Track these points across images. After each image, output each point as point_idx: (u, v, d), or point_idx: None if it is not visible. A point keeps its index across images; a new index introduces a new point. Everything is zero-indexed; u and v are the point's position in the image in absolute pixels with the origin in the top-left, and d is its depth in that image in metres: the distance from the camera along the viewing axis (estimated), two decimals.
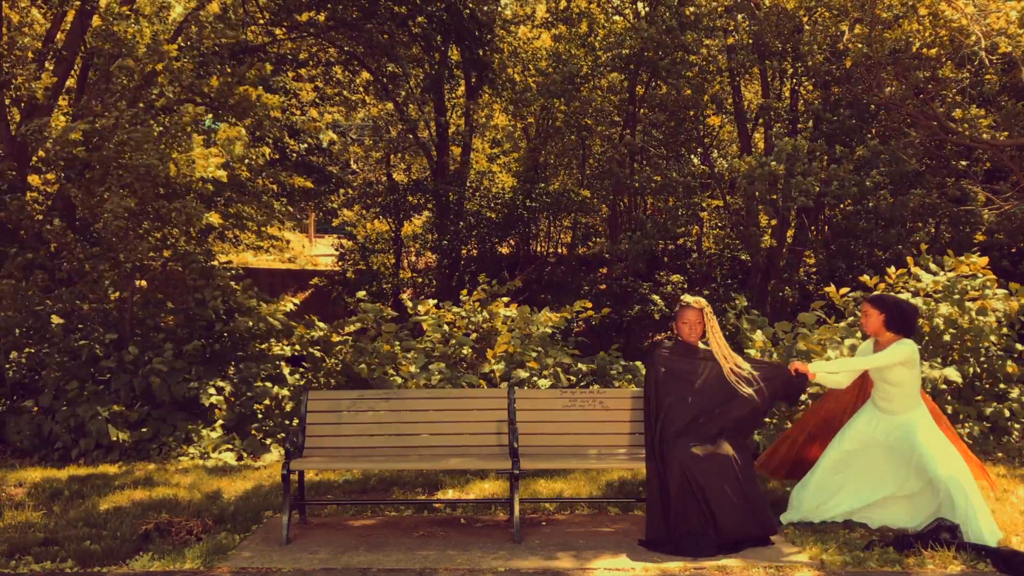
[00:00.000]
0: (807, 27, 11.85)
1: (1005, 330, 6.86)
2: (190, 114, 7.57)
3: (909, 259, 7.32)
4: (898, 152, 10.88)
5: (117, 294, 7.86)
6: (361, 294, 8.49)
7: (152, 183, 7.26)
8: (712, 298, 12.32)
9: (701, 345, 4.62)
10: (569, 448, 4.84)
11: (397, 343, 7.62)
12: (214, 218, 7.61)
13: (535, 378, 7.15)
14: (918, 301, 6.90)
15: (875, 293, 4.64)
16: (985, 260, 7.04)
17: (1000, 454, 6.35)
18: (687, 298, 4.65)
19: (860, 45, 10.05)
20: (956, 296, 6.81)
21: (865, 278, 7.30)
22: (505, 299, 7.96)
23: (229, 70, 9.27)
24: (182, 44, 8.56)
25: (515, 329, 7.55)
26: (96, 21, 9.17)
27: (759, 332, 7.09)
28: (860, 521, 4.61)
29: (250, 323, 7.72)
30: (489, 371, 7.16)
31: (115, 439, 6.64)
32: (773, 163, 10.24)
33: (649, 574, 3.92)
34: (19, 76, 8.69)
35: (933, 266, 7.15)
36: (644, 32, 12.53)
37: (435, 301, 8.00)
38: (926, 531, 4.26)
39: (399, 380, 7.15)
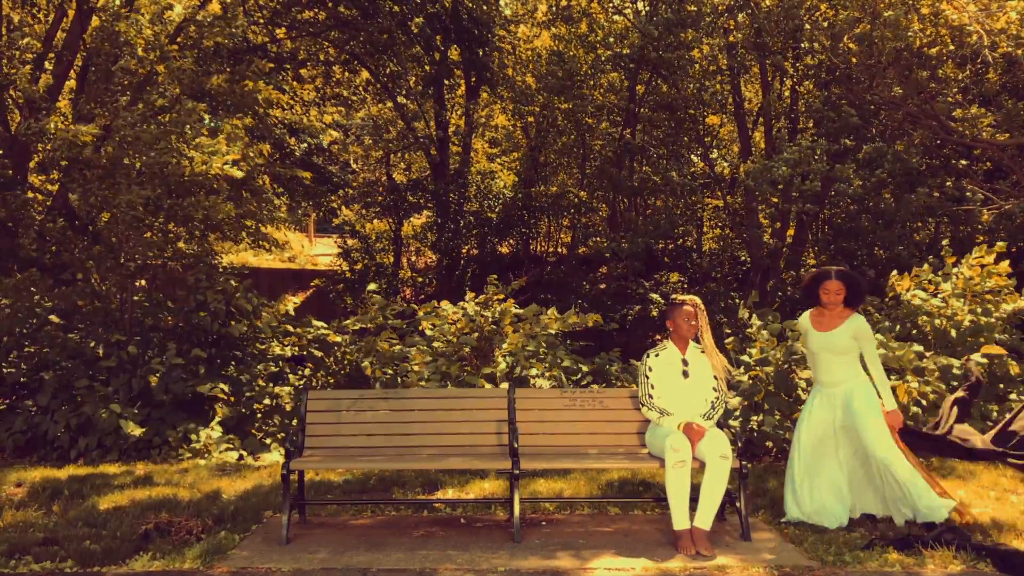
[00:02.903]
0: (807, 26, 11.83)
1: (1007, 335, 6.88)
2: (193, 111, 7.55)
3: (926, 266, 7.36)
4: (902, 152, 10.87)
5: (118, 295, 7.86)
6: (372, 286, 8.46)
7: (165, 180, 7.25)
8: (712, 298, 12.32)
9: (693, 344, 4.65)
10: (569, 448, 4.84)
11: (407, 339, 7.63)
12: (228, 208, 7.56)
13: (538, 379, 7.15)
14: (937, 301, 6.96)
15: (838, 268, 4.79)
16: (1006, 265, 7.06)
17: None
18: (681, 296, 4.73)
19: (861, 44, 10.05)
20: (960, 298, 6.85)
21: (894, 275, 7.32)
22: (501, 296, 7.96)
23: (228, 69, 9.26)
24: (182, 43, 8.55)
25: (520, 330, 7.55)
26: (96, 21, 9.16)
27: (764, 331, 7.10)
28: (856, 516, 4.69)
29: (247, 326, 7.71)
30: (492, 372, 7.16)
31: (129, 433, 6.62)
32: (784, 168, 10.19)
33: (649, 574, 3.91)
34: (18, 77, 8.68)
35: (955, 270, 7.18)
36: (644, 27, 12.51)
37: (435, 303, 8.00)
38: (929, 533, 4.26)
39: (408, 379, 7.15)
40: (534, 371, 7.23)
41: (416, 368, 7.25)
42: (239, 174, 7.49)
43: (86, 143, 7.15)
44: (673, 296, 4.87)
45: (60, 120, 8.07)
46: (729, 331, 8.35)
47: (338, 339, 7.90)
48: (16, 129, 8.85)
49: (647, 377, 4.62)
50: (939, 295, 7.12)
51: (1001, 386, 6.74)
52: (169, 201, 7.37)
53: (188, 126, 7.45)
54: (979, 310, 6.81)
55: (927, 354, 6.74)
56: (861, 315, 4.69)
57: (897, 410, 4.61)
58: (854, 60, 10.52)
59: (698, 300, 4.69)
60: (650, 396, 4.60)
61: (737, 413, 6.64)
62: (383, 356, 7.52)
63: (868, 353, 4.65)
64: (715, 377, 4.60)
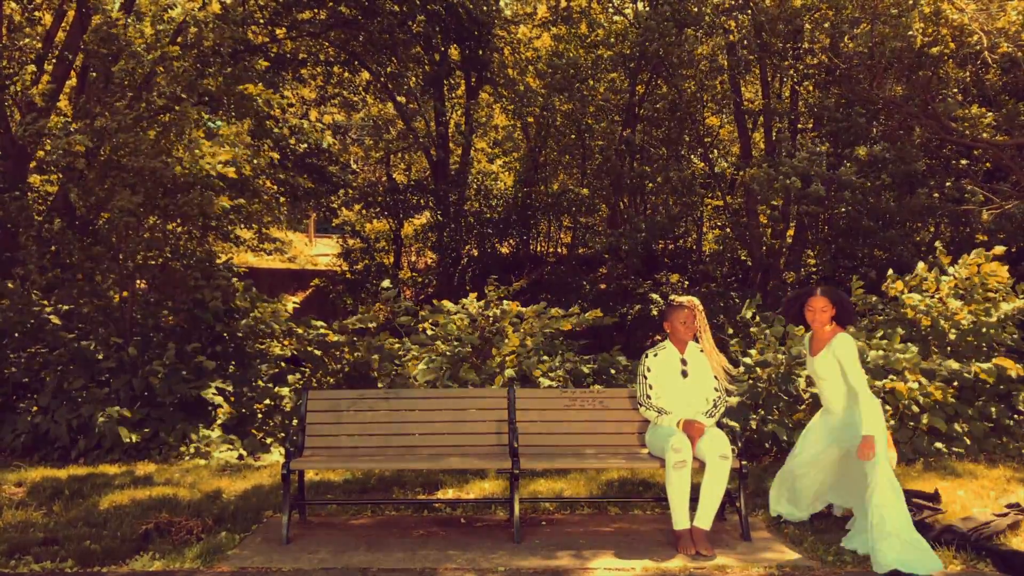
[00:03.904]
0: (808, 26, 11.84)
1: (1007, 335, 6.87)
2: (192, 113, 7.55)
3: (922, 266, 7.36)
4: (905, 152, 10.86)
5: (118, 296, 7.86)
6: (387, 283, 8.46)
7: (157, 183, 7.26)
8: (712, 298, 12.31)
9: (692, 344, 4.65)
10: (569, 448, 4.84)
11: (412, 337, 7.64)
12: (225, 202, 7.56)
13: (541, 378, 7.16)
14: (933, 302, 6.96)
15: (823, 286, 4.54)
16: (1004, 269, 7.05)
17: (1002, 454, 6.35)
18: (679, 298, 4.72)
19: (862, 45, 10.05)
20: (957, 299, 6.84)
21: (891, 276, 7.31)
22: (501, 295, 7.96)
23: (229, 70, 9.25)
24: (182, 43, 8.54)
25: (521, 329, 7.56)
26: (95, 21, 9.16)
27: (766, 331, 7.09)
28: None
29: (251, 322, 7.70)
30: (494, 372, 7.16)
31: (126, 440, 6.63)
32: (796, 180, 10.16)
33: (649, 574, 3.92)
34: (18, 78, 8.67)
35: (951, 268, 7.18)
36: (644, 22, 12.51)
37: (436, 302, 8.01)
38: (929, 533, 4.26)
39: (405, 375, 7.15)
40: (537, 371, 7.23)
41: (419, 367, 7.25)
42: (232, 173, 7.51)
43: (79, 152, 7.15)
44: (671, 297, 4.87)
45: (60, 120, 8.07)
46: (732, 332, 8.34)
47: (337, 339, 7.90)
48: (16, 130, 8.85)
49: (645, 377, 4.63)
50: (935, 296, 7.11)
51: (1002, 387, 6.74)
52: (164, 200, 7.37)
53: (187, 128, 7.45)
54: (980, 310, 6.80)
55: (933, 354, 6.74)
56: (845, 333, 4.33)
57: (871, 437, 4.08)
58: (855, 60, 10.52)
59: (696, 301, 4.68)
60: (648, 396, 4.61)
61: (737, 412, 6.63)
62: (386, 354, 7.52)
63: (847, 371, 4.25)
64: (715, 377, 4.61)
